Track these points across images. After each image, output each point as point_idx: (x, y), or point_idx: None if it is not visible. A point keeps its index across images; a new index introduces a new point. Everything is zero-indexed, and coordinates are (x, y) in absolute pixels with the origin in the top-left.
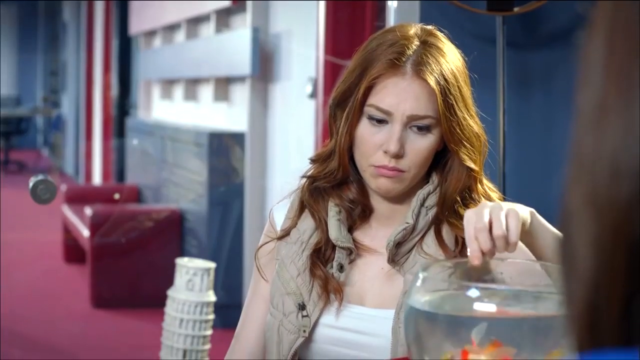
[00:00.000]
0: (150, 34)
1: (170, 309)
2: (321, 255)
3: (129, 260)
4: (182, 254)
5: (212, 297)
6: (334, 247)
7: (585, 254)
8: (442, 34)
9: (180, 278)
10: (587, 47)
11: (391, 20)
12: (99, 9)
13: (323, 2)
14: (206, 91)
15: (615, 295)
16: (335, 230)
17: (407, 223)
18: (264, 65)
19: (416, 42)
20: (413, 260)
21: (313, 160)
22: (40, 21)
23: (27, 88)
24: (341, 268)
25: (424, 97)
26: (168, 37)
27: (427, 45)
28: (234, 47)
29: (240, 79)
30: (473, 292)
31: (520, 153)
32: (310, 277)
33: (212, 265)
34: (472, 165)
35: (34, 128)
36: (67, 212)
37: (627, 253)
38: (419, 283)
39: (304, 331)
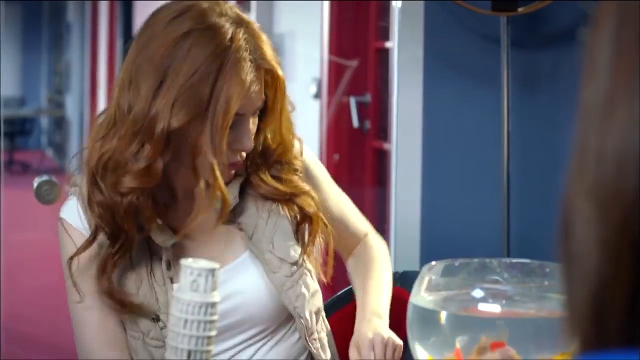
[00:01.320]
0: None
1: (174, 309)
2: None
3: None
4: None
5: (216, 297)
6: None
7: (590, 250)
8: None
9: (184, 278)
10: (593, 41)
11: (395, 21)
12: (103, 9)
13: (327, 2)
14: None
15: (621, 291)
16: (160, 235)
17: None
18: None
19: (237, 30)
20: (244, 206)
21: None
22: (44, 21)
23: (31, 89)
24: (169, 265)
25: (263, 84)
26: None
27: (249, 29)
28: None
29: None
30: (478, 293)
31: (525, 153)
32: (150, 286)
33: (216, 265)
34: (291, 143)
35: (38, 129)
36: None
37: (632, 249)
38: (424, 282)
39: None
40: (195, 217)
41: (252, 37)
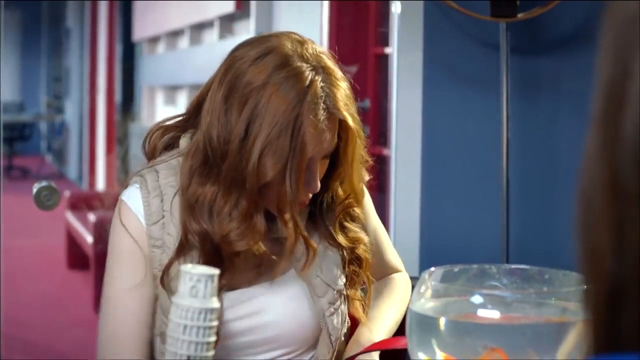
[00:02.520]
0: (154, 39)
1: (174, 315)
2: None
3: None
4: None
5: (216, 303)
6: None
7: (606, 239)
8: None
9: (184, 284)
10: (610, 24)
11: (395, 27)
12: (103, 14)
13: (327, 8)
14: None
15: (638, 280)
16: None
17: None
18: None
19: (316, 78)
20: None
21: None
22: (43, 27)
23: (30, 94)
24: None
25: (335, 132)
26: (172, 43)
27: (327, 76)
28: None
29: None
30: (477, 299)
31: (524, 159)
32: None
33: (216, 271)
34: (360, 189)
35: (38, 134)
36: (71, 218)
37: None
38: (423, 288)
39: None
40: (285, 258)
41: (329, 84)
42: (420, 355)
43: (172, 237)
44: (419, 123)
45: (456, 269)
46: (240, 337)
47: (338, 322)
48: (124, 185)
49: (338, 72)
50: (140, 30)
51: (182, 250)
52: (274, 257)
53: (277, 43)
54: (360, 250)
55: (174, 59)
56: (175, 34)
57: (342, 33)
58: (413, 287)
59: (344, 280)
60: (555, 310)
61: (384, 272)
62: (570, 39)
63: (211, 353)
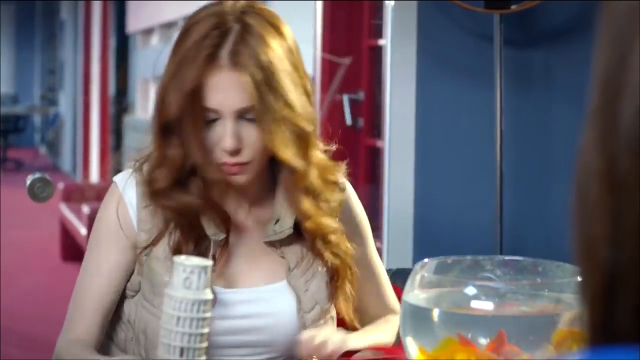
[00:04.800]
0: (148, 32)
1: (167, 307)
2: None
3: None
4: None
5: (209, 294)
6: (196, 240)
7: (601, 229)
8: (267, 8)
9: (177, 276)
10: (608, 15)
11: (388, 19)
12: (97, 7)
13: (320, 0)
14: None
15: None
16: (212, 227)
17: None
18: None
19: (233, 26)
20: (292, 240)
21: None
22: (37, 20)
23: (24, 86)
24: (214, 259)
25: (246, 88)
26: (166, 35)
27: (245, 30)
28: None
29: None
30: (470, 290)
31: (517, 150)
32: None
33: (209, 262)
34: (287, 157)
35: (32, 126)
36: (65, 210)
37: None
38: (416, 280)
39: None
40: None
41: (244, 36)
42: (413, 345)
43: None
44: (412, 115)
45: (450, 261)
46: (221, 336)
47: None
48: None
49: (268, 31)
50: (134, 23)
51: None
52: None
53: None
54: (338, 243)
55: (168, 52)
56: (169, 26)
57: (336, 25)
58: (407, 278)
59: (331, 299)
60: (548, 301)
61: (379, 308)
62: (563, 31)
63: (204, 344)
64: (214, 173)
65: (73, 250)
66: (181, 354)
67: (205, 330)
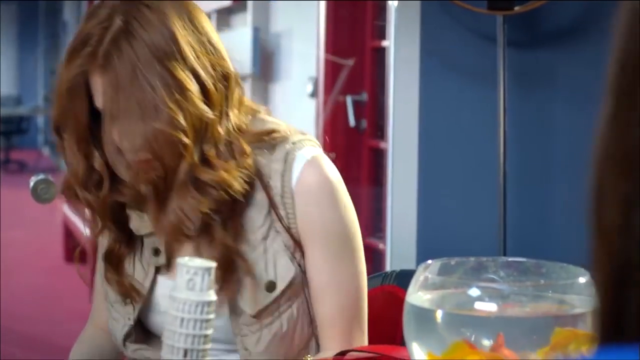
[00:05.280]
0: None
1: (170, 308)
2: (114, 255)
3: None
4: None
5: (212, 296)
6: (128, 241)
7: (615, 216)
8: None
9: (180, 277)
10: (624, 19)
11: (392, 20)
12: None
13: (323, 1)
14: None
15: None
16: (136, 220)
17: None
18: (265, 64)
19: (106, 28)
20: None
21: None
22: (40, 20)
23: (27, 87)
24: (157, 252)
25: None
26: None
27: (114, 31)
28: (235, 46)
29: (241, 78)
30: (474, 291)
31: (521, 152)
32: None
33: (212, 264)
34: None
35: (35, 127)
36: (68, 211)
37: None
38: (420, 281)
39: (129, 318)
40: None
41: (112, 28)
42: (416, 347)
43: None
44: (416, 116)
45: (453, 262)
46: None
47: (253, 344)
48: None
49: (146, 17)
50: None
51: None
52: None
53: None
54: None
55: None
56: None
57: (340, 26)
58: (410, 280)
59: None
60: (552, 303)
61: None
62: (567, 31)
63: (208, 346)
64: (136, 174)
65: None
66: (185, 355)
67: (209, 331)
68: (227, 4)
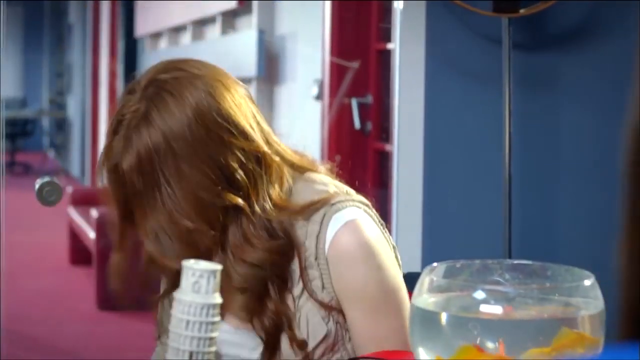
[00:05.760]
0: (156, 35)
1: (176, 310)
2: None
3: (134, 262)
4: None
5: (218, 299)
6: None
7: None
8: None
9: (186, 280)
10: None
11: (397, 22)
12: (105, 10)
13: (329, 3)
14: None
15: None
16: None
17: None
18: (270, 66)
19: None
20: None
21: None
22: (45, 23)
23: (33, 90)
24: None
25: None
26: (174, 39)
27: (131, 122)
28: (240, 48)
29: (246, 81)
30: (479, 294)
31: (526, 154)
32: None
33: (218, 267)
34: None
35: (40, 130)
36: (73, 214)
37: None
38: (425, 284)
39: None
40: None
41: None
42: (422, 350)
43: None
44: (421, 119)
45: (458, 265)
46: None
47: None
48: None
49: (167, 105)
50: (143, 26)
51: None
52: None
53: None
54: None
55: (176, 55)
56: (178, 30)
57: (344, 28)
58: (415, 282)
59: None
60: (557, 305)
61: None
62: (572, 34)
63: (213, 348)
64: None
65: (81, 254)
66: (190, 358)
67: (215, 334)
68: (233, 6)
